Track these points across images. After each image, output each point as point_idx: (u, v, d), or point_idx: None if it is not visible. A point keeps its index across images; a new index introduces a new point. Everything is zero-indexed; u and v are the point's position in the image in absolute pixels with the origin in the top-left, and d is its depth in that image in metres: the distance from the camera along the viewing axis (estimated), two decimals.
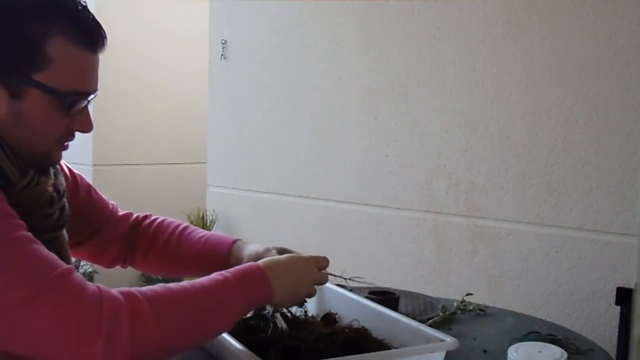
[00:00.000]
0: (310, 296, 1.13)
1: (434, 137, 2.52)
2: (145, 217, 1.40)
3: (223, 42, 3.26)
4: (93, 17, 1.01)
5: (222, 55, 3.27)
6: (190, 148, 4.41)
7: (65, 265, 0.89)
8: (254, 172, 3.17)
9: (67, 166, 1.26)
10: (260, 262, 1.07)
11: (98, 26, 1.02)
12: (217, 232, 3.44)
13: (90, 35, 1.00)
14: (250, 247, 1.27)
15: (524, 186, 2.31)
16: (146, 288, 0.93)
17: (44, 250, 0.90)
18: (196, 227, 1.37)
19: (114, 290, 0.89)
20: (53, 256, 0.90)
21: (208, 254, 1.30)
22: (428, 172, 2.55)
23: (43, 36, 0.95)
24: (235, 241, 1.31)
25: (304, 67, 2.95)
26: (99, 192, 1.35)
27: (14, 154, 0.98)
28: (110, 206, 1.37)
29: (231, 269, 1.02)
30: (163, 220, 1.38)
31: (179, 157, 4.49)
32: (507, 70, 2.33)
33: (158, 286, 0.94)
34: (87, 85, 1.01)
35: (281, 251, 1.23)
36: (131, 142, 4.29)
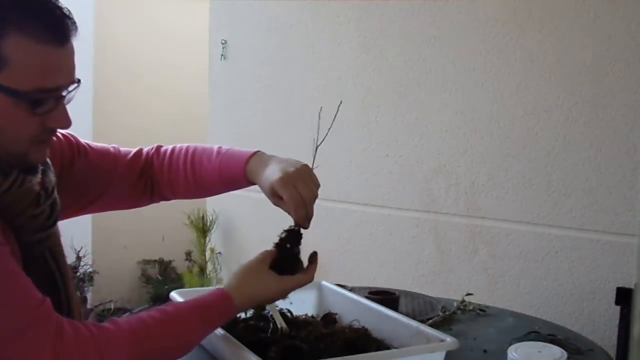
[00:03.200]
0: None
1: (434, 137, 2.52)
2: (154, 154, 1.36)
3: (223, 42, 3.26)
4: (57, 7, 0.95)
5: (222, 55, 3.26)
6: None
7: (41, 302, 0.92)
8: None
9: (61, 134, 1.20)
10: (228, 287, 1.09)
11: (62, 16, 0.95)
12: (216, 233, 3.45)
13: (52, 28, 0.93)
14: (267, 174, 1.26)
15: (523, 186, 2.31)
16: (116, 321, 0.98)
17: (22, 282, 0.91)
18: (204, 147, 1.36)
19: (86, 328, 0.93)
20: (30, 292, 0.92)
21: (228, 176, 1.34)
22: (428, 172, 2.54)
23: None
24: (248, 160, 1.32)
25: (304, 67, 2.94)
26: (95, 146, 1.28)
27: None
28: (112, 150, 1.31)
29: (199, 298, 1.07)
30: (172, 152, 1.35)
31: None
32: (507, 70, 2.33)
33: (124, 319, 0.99)
34: (51, 81, 0.95)
35: (297, 174, 1.22)
36: (131, 142, 4.23)
